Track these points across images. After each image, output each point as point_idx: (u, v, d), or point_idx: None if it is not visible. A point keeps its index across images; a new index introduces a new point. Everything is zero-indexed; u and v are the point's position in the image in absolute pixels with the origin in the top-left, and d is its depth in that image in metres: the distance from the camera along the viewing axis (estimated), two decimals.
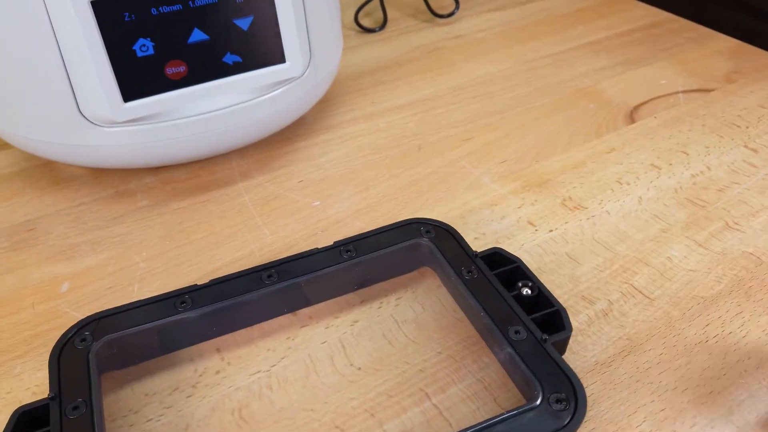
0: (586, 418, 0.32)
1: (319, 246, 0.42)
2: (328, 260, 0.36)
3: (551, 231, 0.44)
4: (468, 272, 0.35)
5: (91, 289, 0.40)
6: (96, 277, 0.41)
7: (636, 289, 0.39)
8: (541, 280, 0.40)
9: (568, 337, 0.32)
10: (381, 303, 0.38)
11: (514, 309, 0.33)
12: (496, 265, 0.36)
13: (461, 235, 0.38)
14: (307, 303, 0.37)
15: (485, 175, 0.49)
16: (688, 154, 0.51)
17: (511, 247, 0.42)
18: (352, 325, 0.37)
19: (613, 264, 0.41)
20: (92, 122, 0.42)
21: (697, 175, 0.48)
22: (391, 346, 0.36)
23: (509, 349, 0.31)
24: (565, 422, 0.28)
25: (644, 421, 0.32)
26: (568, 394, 0.29)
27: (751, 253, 0.41)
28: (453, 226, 0.44)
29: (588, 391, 0.33)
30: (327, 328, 0.37)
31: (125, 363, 0.34)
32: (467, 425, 0.32)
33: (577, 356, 0.35)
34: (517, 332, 0.32)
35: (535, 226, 0.44)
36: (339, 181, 0.49)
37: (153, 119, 0.43)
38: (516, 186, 0.48)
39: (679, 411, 0.32)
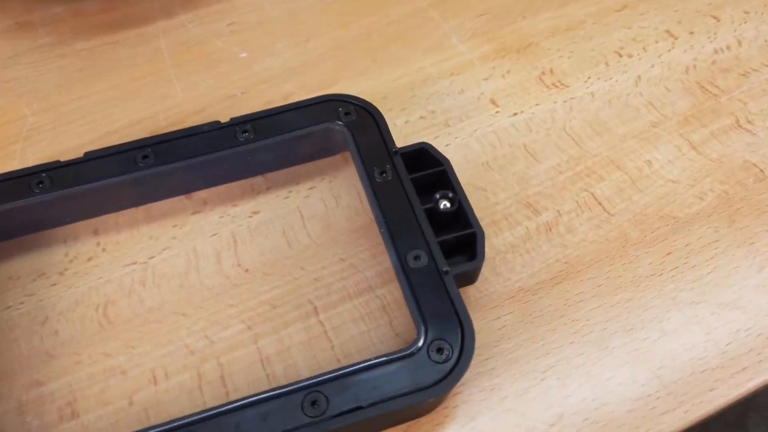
0: (488, 354, 0.27)
1: (230, 115, 0.35)
2: (219, 142, 0.30)
3: (515, 114, 0.36)
4: (381, 173, 0.29)
5: None
6: None
7: (596, 199, 0.32)
8: (487, 179, 0.33)
9: (478, 269, 0.27)
10: (290, 192, 0.33)
11: (422, 227, 0.27)
12: (420, 166, 0.30)
13: (386, 122, 0.31)
14: (197, 187, 0.32)
15: (455, 32, 0.40)
16: (718, 20, 0.40)
17: (463, 133, 0.35)
18: (250, 217, 0.32)
19: (577, 164, 0.34)
20: None
21: (722, 50, 0.38)
22: (289, 246, 0.31)
23: (403, 278, 0.26)
24: (438, 378, 0.23)
25: (554, 366, 0.27)
26: (453, 344, 0.24)
27: (754, 164, 0.33)
28: (401, 97, 0.37)
29: (500, 323, 0.28)
30: (221, 217, 0.32)
31: None
32: (352, 349, 0.28)
33: (500, 278, 0.30)
34: (417, 258, 0.26)
35: (498, 106, 0.36)
36: (276, 27, 0.41)
37: None
38: (489, 49, 0.39)
39: (599, 358, 0.27)
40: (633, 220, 0.31)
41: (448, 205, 0.28)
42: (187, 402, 0.27)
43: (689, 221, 0.31)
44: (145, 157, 0.30)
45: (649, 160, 0.34)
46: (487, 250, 0.30)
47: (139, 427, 0.26)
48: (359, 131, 0.30)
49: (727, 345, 0.27)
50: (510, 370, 0.27)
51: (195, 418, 0.23)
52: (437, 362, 0.24)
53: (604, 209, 0.32)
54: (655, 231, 0.31)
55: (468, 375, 0.26)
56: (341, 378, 0.23)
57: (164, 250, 0.31)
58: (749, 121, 0.35)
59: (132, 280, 0.30)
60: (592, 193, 0.32)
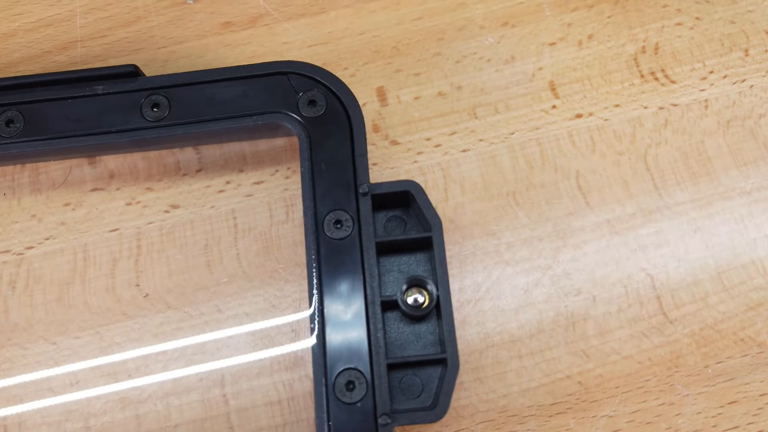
0: None
1: (171, 36, 0.25)
2: (116, 115, 0.20)
3: (579, 116, 0.24)
4: (336, 223, 0.19)
5: None
6: None
7: (655, 289, 0.22)
8: (506, 220, 0.22)
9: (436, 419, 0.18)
10: (227, 183, 0.23)
11: (370, 335, 0.18)
12: (396, 222, 0.20)
13: (365, 131, 0.20)
14: (101, 150, 0.23)
15: None
16: None
17: (493, 133, 0.24)
18: (166, 212, 0.23)
19: (644, 225, 0.22)
20: None
21: None
22: (209, 270, 0.23)
23: (323, 411, 0.18)
24: None
25: None
26: None
27: None
28: (419, 50, 0.25)
29: None
30: (129, 204, 0.23)
31: None
32: None
33: (481, 386, 0.21)
34: (350, 386, 0.18)
35: (558, 96, 0.24)
36: None
37: None
38: None
39: None
40: (698, 335, 0.21)
41: (421, 300, 0.19)
42: None
43: None
44: (10, 122, 0.20)
45: (754, 240, 0.22)
46: (476, 339, 0.21)
47: None
48: (321, 138, 0.20)
49: None
50: None
51: None
52: None
53: (662, 308, 0.22)
54: (724, 361, 0.21)
55: None
56: None
57: (47, 239, 0.23)
58: None
59: (0, 278, 0.23)
60: (651, 278, 0.22)
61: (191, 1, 0.26)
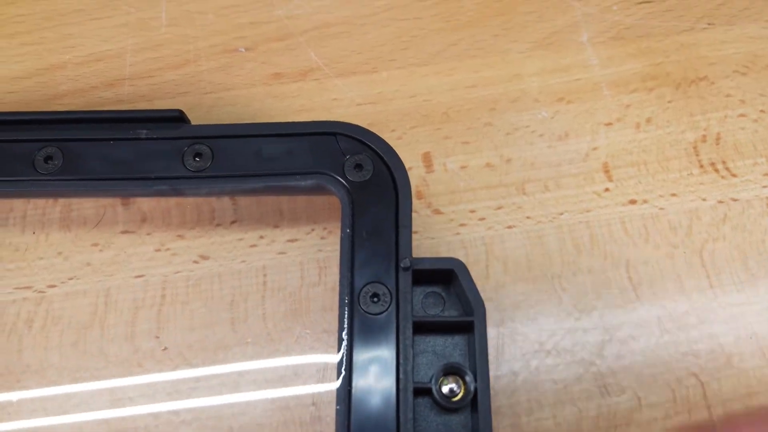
0: None
1: (220, 82, 0.24)
2: (157, 161, 0.20)
3: (633, 202, 0.23)
4: (373, 297, 0.18)
5: None
6: None
7: (705, 398, 0.20)
8: (549, 306, 0.21)
9: None
10: (261, 238, 0.23)
11: (401, 424, 0.17)
12: (434, 299, 0.19)
13: (411, 201, 0.19)
14: (137, 192, 0.22)
15: (590, 24, 0.25)
16: None
17: (541, 211, 0.22)
18: (195, 262, 0.22)
19: (696, 327, 0.21)
20: None
21: None
22: (233, 328, 0.21)
23: None
24: None
25: None
26: None
27: None
28: (470, 119, 0.24)
29: None
30: (158, 250, 0.23)
31: None
32: None
33: None
34: None
35: (612, 179, 0.23)
36: None
37: None
38: (632, 70, 0.25)
39: None
40: None
41: (456, 390, 0.17)
42: None
43: None
44: (48, 158, 0.20)
45: None
46: (509, 429, 0.20)
47: None
48: (365, 205, 0.19)
49: None
50: None
51: None
52: None
53: (712, 419, 0.20)
54: None
55: None
56: None
57: (71, 279, 0.22)
58: None
59: (17, 314, 0.22)
60: (702, 385, 0.20)
61: (243, 50, 0.25)
